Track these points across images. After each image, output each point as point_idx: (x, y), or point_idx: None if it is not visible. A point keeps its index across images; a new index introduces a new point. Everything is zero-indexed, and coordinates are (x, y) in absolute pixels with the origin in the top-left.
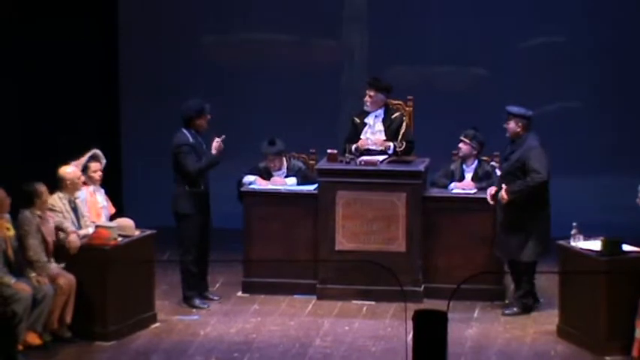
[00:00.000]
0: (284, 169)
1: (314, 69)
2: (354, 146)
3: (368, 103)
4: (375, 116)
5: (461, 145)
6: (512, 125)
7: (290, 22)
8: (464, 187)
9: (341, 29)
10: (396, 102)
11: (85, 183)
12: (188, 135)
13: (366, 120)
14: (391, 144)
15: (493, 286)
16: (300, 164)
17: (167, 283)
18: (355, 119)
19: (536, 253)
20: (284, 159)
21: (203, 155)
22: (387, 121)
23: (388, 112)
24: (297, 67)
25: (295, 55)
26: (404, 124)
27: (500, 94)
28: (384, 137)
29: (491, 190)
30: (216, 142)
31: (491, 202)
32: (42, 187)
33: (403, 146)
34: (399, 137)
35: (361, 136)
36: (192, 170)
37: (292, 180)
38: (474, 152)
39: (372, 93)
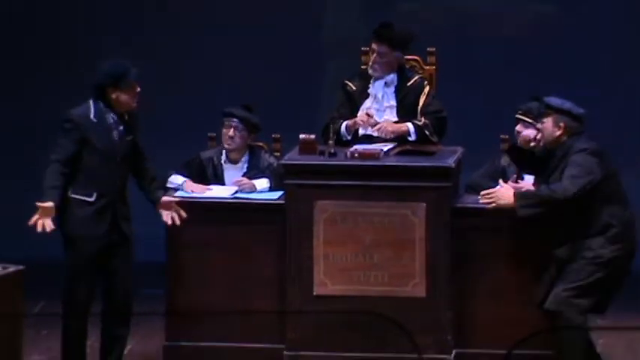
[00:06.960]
0: (244, 161)
1: (282, 10)
2: (343, 125)
3: (375, 65)
4: (385, 84)
5: (519, 127)
6: (548, 125)
7: None
8: None
9: None
10: (410, 57)
11: None
12: (92, 108)
13: (370, 89)
14: (410, 125)
15: None
16: (273, 160)
17: (42, 352)
18: (349, 84)
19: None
20: (245, 140)
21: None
22: (400, 93)
23: (402, 77)
24: (254, 10)
25: None
26: (425, 90)
27: (577, 43)
28: (395, 118)
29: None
30: None
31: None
32: None
33: (424, 122)
34: (418, 110)
35: (359, 114)
36: (52, 159)
37: (263, 182)
38: (540, 137)
39: (383, 49)
